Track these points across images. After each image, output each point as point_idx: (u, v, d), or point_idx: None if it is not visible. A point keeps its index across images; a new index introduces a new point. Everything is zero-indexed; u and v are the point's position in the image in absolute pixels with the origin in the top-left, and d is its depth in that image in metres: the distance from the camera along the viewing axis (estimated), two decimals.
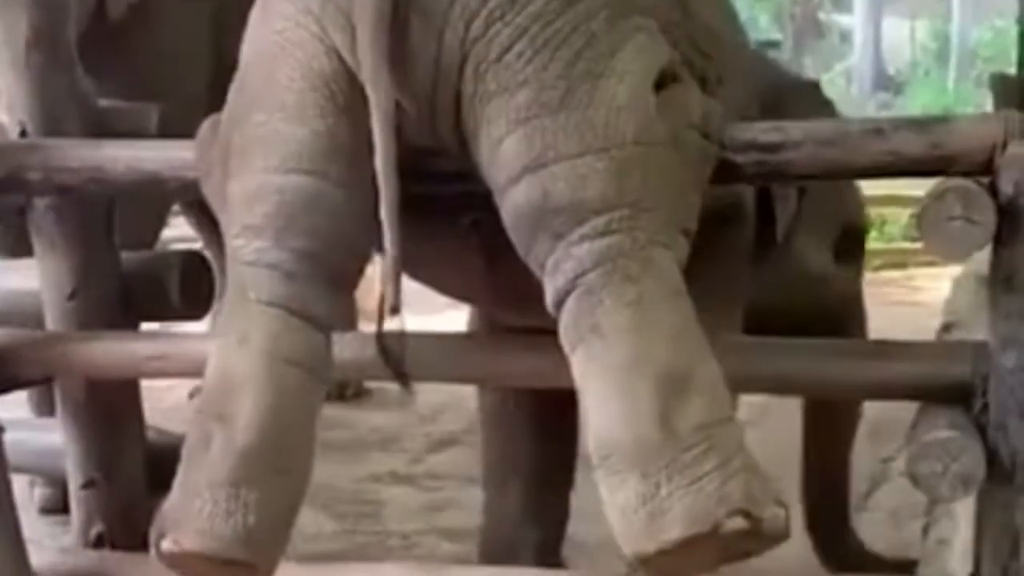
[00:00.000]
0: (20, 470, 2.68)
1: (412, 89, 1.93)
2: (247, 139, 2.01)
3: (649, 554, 1.76)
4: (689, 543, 1.75)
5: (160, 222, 3.96)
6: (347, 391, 5.04)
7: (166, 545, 1.90)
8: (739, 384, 2.24)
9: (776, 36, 24.31)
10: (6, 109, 2.52)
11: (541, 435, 2.77)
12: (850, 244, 2.90)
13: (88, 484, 2.64)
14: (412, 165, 1.96)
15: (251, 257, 1.97)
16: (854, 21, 21.62)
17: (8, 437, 2.47)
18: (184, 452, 1.95)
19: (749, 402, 4.49)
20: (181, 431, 2.96)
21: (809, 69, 22.81)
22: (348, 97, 1.96)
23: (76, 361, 2.52)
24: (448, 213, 2.15)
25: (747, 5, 23.70)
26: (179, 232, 8.21)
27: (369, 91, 1.91)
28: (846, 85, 21.47)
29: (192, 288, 2.62)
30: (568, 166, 1.86)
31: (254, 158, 2.00)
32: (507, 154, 1.90)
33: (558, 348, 1.90)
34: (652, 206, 1.87)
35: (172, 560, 1.91)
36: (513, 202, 1.91)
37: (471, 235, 2.16)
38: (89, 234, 2.54)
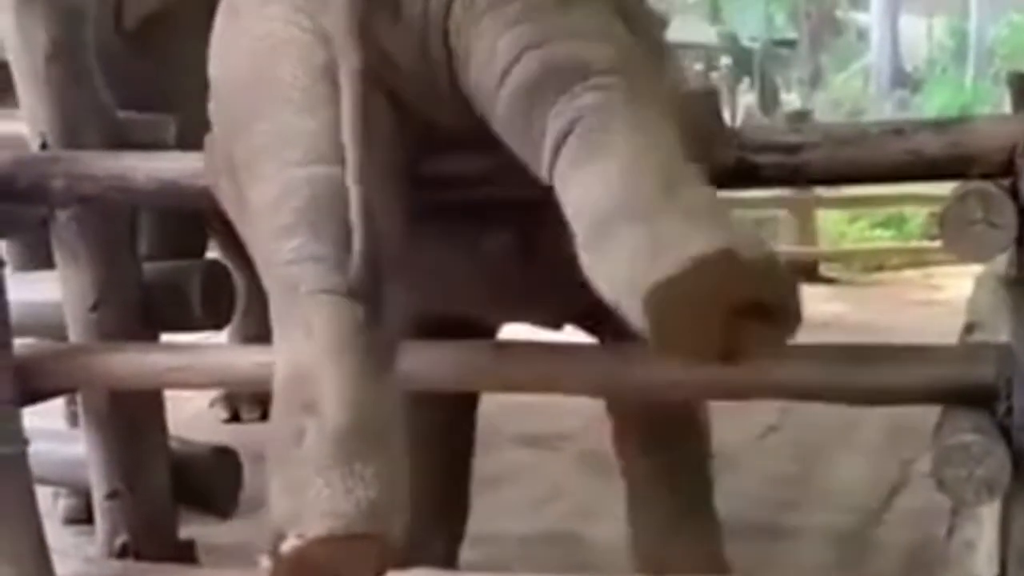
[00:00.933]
0: (44, 481, 2.69)
1: (402, 40, 1.96)
2: (256, 147, 1.99)
3: (662, 281, 1.61)
4: (702, 267, 1.60)
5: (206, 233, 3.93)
6: None
7: (289, 545, 1.81)
8: (760, 390, 2.25)
9: (792, 35, 24.29)
10: (27, 121, 2.53)
11: (440, 441, 2.81)
12: None
13: (112, 495, 2.65)
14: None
15: (291, 255, 1.94)
16: (871, 19, 21.55)
17: (32, 448, 2.49)
18: (275, 456, 1.89)
19: (770, 407, 4.53)
20: (204, 440, 3.00)
21: (826, 67, 22.80)
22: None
23: (98, 373, 2.53)
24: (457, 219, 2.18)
25: (762, 4, 23.72)
26: None
27: (340, 56, 1.90)
28: (864, 83, 21.43)
29: (214, 298, 2.63)
30: (569, 42, 1.92)
31: (269, 161, 1.99)
32: (504, 46, 1.92)
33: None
34: (652, 76, 1.96)
35: (298, 559, 1.85)
36: (515, 81, 1.91)
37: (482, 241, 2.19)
38: (111, 246, 2.56)
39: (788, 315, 1.69)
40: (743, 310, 1.65)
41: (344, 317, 1.91)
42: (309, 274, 1.93)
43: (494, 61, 1.94)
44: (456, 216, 2.23)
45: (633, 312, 1.66)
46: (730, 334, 1.67)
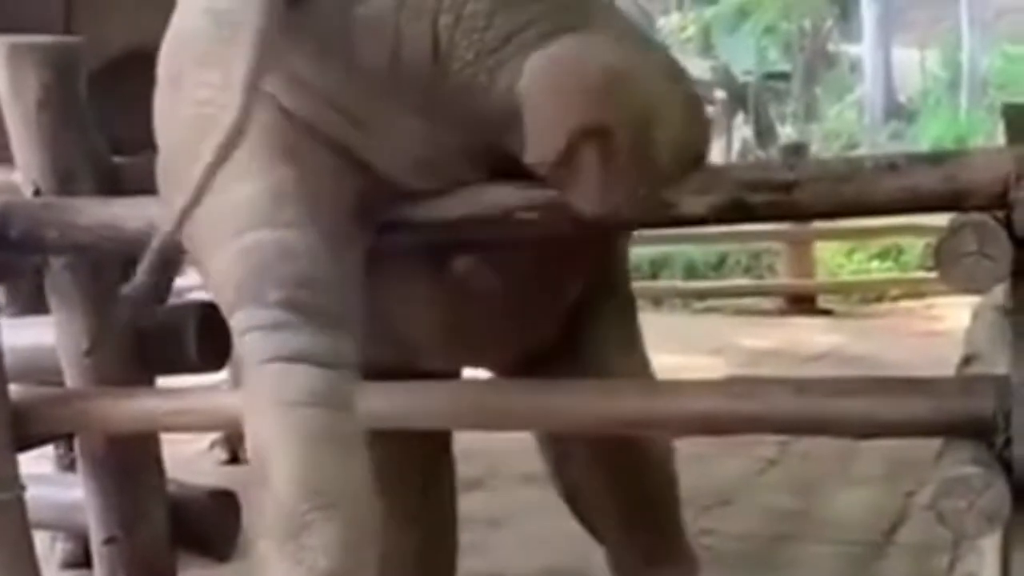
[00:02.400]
0: (42, 526, 2.68)
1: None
2: (200, 219, 1.96)
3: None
4: None
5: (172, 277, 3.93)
6: None
7: None
8: (759, 424, 2.25)
9: (785, 68, 24.38)
10: (20, 168, 2.54)
11: (423, 486, 2.81)
12: None
13: (110, 540, 2.64)
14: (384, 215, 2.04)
15: (241, 326, 1.98)
16: (863, 51, 21.65)
17: (30, 492, 2.48)
18: (251, 528, 1.98)
19: (769, 441, 4.52)
20: (202, 483, 2.99)
21: (820, 99, 22.88)
22: (291, 144, 1.98)
23: (95, 417, 2.53)
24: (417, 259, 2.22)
25: (755, 38, 23.82)
26: (197, 280, 8.30)
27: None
28: (858, 114, 21.49)
29: (209, 341, 2.62)
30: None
31: (214, 232, 2.00)
32: None
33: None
34: None
35: None
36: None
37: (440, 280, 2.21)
38: (105, 291, 2.55)
39: (629, 149, 1.85)
40: (594, 134, 1.82)
41: (283, 382, 1.94)
42: (256, 344, 1.96)
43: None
44: (416, 257, 2.24)
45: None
46: (572, 144, 1.83)
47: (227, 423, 2.90)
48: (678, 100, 2.06)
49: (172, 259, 2.66)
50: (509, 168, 2.03)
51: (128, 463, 2.65)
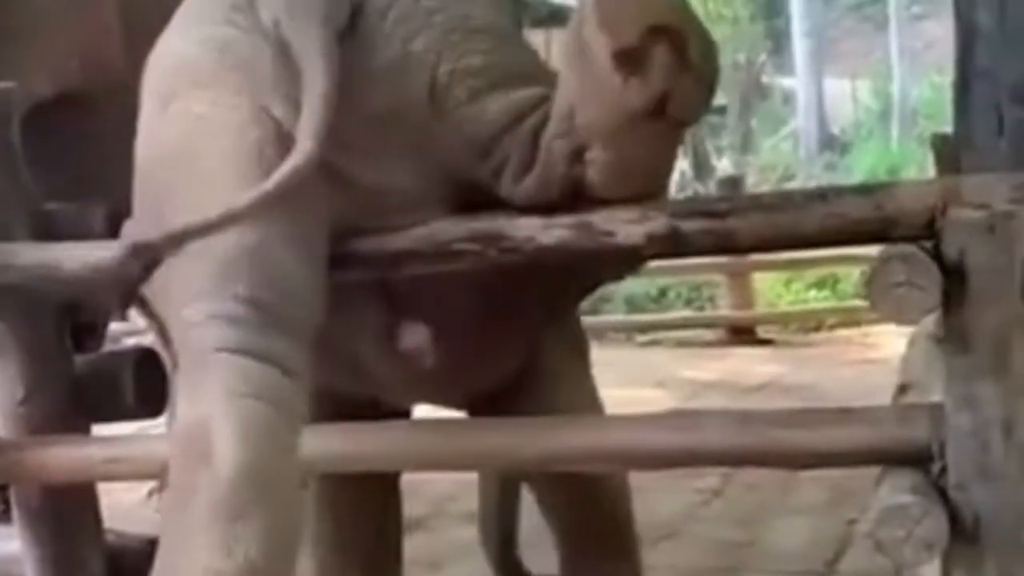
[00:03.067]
0: None
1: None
2: (173, 216, 1.99)
3: None
4: None
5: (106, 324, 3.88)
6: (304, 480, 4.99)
7: None
8: (700, 457, 2.26)
9: (721, 102, 24.63)
10: None
11: (377, 527, 2.88)
12: None
13: None
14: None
15: (198, 317, 1.98)
16: (796, 83, 21.94)
17: None
18: (170, 501, 1.94)
19: (712, 473, 4.54)
20: (140, 532, 2.95)
21: (756, 132, 23.12)
22: (277, 155, 2.00)
23: (30, 467, 2.49)
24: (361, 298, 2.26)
25: None
26: (133, 324, 8.21)
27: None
28: (793, 147, 21.74)
29: (147, 386, 2.60)
30: None
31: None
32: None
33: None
34: None
35: None
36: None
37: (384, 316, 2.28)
38: (40, 339, 2.52)
39: (701, 59, 1.93)
40: (660, 31, 1.89)
41: (236, 373, 1.95)
42: (211, 332, 1.97)
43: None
44: (369, 306, 2.29)
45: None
46: (642, 41, 1.89)
47: (166, 471, 2.88)
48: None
49: (105, 303, 2.65)
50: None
51: (65, 513, 2.61)
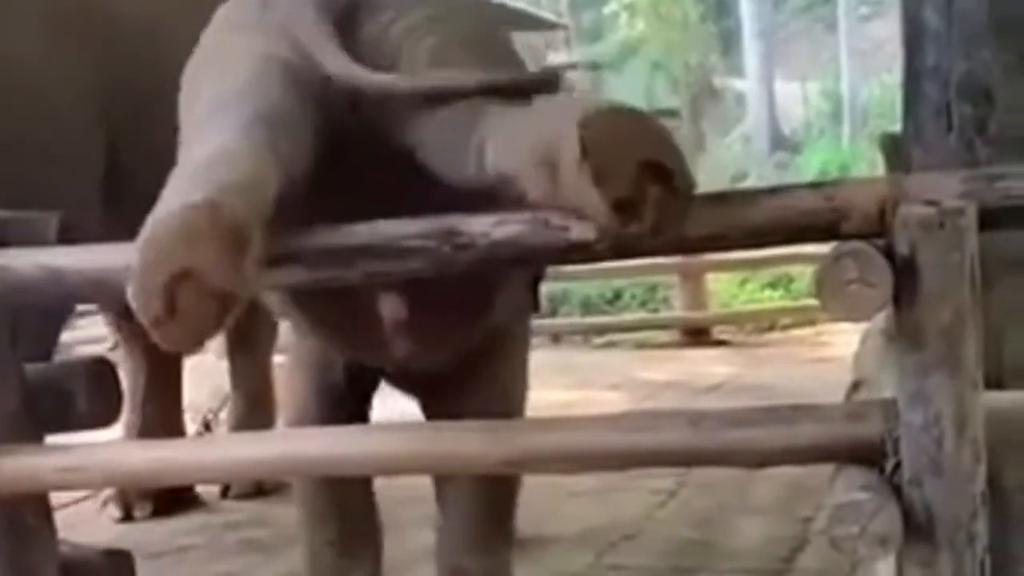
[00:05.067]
0: None
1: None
2: (198, 111, 2.30)
3: (593, 111, 1.97)
4: (621, 115, 2.00)
5: (57, 334, 3.86)
6: (265, 485, 4.98)
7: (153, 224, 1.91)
8: (655, 457, 2.27)
9: (673, 104, 24.74)
10: None
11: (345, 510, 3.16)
12: None
13: None
14: None
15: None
16: (747, 85, 22.08)
17: None
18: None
19: (666, 473, 4.56)
20: (95, 542, 2.93)
21: (708, 133, 23.24)
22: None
23: None
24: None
25: (644, 74, 24.15)
26: (85, 334, 8.13)
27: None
28: (744, 147, 21.88)
29: (100, 396, 2.58)
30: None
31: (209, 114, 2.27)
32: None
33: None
34: None
35: (151, 246, 1.88)
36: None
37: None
38: None
39: (684, 183, 1.97)
40: (648, 168, 1.94)
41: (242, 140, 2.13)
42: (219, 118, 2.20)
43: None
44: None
45: (566, 141, 1.95)
46: (636, 186, 1.93)
47: (122, 478, 2.86)
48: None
49: (61, 310, 2.64)
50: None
51: (19, 524, 2.57)
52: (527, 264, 2.56)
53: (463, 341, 2.85)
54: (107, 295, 2.30)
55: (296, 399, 3.18)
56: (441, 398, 3.03)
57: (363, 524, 3.22)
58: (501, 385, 3.06)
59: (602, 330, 9.80)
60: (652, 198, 1.95)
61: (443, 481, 3.11)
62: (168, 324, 1.87)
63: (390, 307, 2.57)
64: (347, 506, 3.16)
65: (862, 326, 3.50)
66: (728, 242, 2.19)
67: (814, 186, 2.09)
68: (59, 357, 3.45)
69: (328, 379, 3.07)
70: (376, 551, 3.25)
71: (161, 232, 1.86)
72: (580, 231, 2.08)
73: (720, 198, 2.12)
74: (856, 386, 2.80)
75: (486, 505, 3.08)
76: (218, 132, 2.16)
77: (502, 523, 3.16)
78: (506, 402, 3.03)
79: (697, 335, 9.16)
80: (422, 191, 2.30)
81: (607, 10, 24.13)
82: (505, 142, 2.17)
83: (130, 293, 1.87)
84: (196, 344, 1.95)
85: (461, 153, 2.23)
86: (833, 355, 7.01)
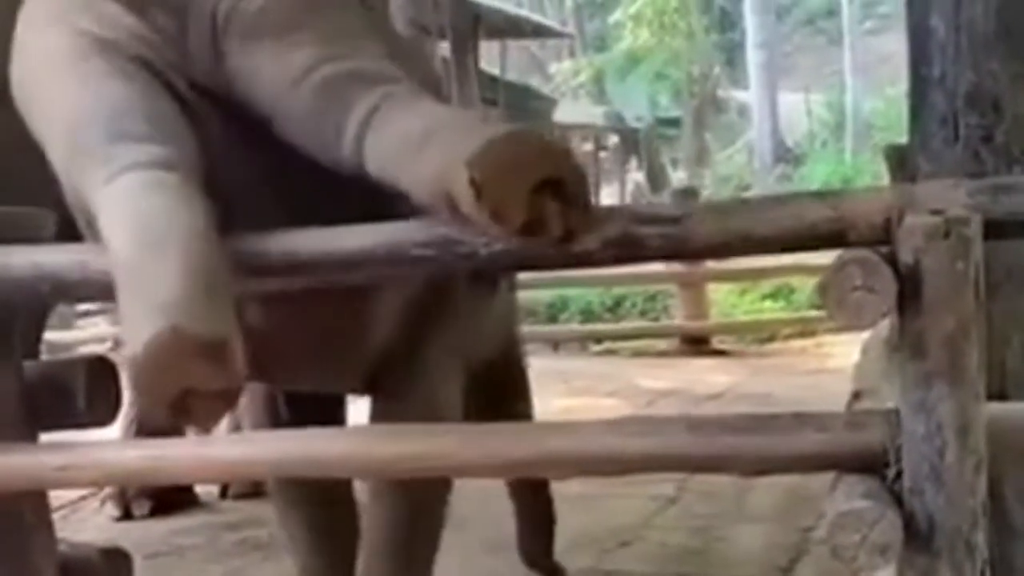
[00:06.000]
0: None
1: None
2: (54, 114, 2.30)
3: (484, 145, 1.96)
4: (513, 138, 1.99)
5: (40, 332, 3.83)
6: (264, 486, 4.97)
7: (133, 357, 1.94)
8: (655, 463, 2.26)
9: (676, 114, 24.77)
10: None
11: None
12: None
13: None
14: None
15: (86, 178, 2.18)
16: (751, 97, 22.10)
17: None
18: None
19: (667, 480, 4.55)
20: (93, 540, 2.92)
21: (711, 145, 23.27)
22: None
23: None
24: None
25: (646, 84, 24.18)
26: (86, 333, 8.14)
27: None
28: (747, 159, 21.90)
29: (99, 394, 2.57)
30: (360, 60, 2.31)
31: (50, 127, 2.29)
32: (299, 59, 2.28)
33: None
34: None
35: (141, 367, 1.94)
36: (313, 83, 2.25)
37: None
38: None
39: (580, 195, 2.00)
40: (545, 186, 1.95)
41: (135, 178, 2.12)
42: (96, 176, 2.15)
43: (287, 70, 2.26)
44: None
45: (457, 180, 1.95)
46: (534, 207, 1.96)
47: (119, 477, 2.85)
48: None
49: (43, 309, 2.65)
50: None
51: (17, 522, 2.57)
52: (528, 271, 2.54)
53: (348, 364, 2.80)
54: (104, 295, 2.30)
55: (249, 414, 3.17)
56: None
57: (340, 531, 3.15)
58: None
59: (601, 337, 9.80)
60: (551, 212, 1.98)
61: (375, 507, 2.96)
62: (183, 419, 2.03)
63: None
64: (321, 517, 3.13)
65: (862, 338, 3.50)
66: (734, 250, 2.19)
67: (820, 195, 2.09)
68: (61, 356, 3.45)
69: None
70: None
71: (147, 363, 1.94)
72: (580, 240, 2.08)
73: (727, 210, 2.12)
74: (857, 396, 2.79)
75: (419, 525, 2.95)
76: (119, 168, 2.14)
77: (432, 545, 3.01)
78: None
79: (697, 344, 9.16)
80: (289, 170, 2.31)
81: (612, 19, 24.18)
82: (387, 161, 2.17)
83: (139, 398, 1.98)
84: (215, 424, 2.15)
85: (331, 137, 2.24)
86: (834, 366, 7.02)
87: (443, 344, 2.91)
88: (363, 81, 2.26)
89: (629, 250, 2.08)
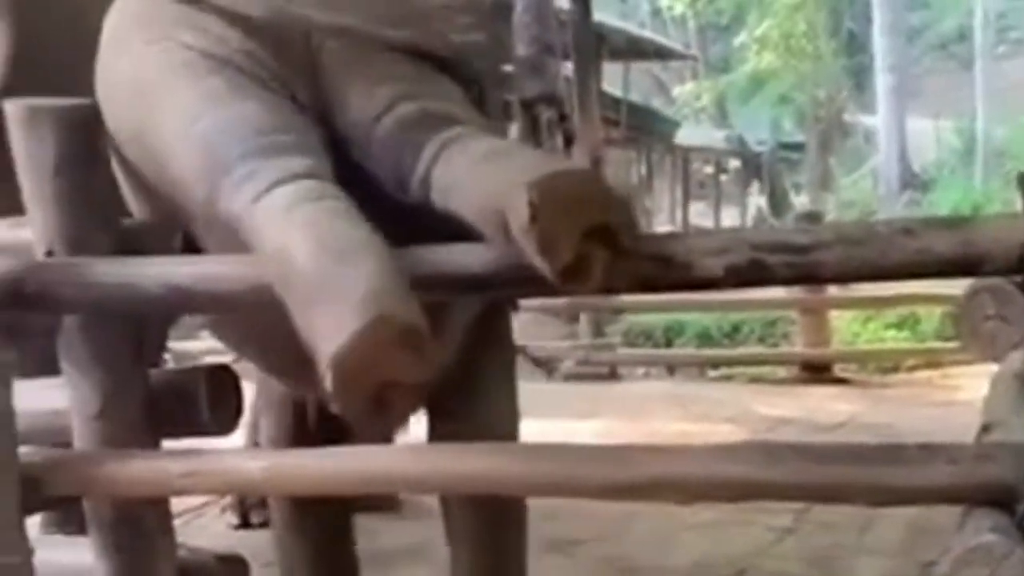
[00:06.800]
0: None
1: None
2: (150, 135, 2.39)
3: (544, 176, 1.97)
4: (571, 175, 2.02)
5: (163, 341, 3.88)
6: (376, 500, 5.00)
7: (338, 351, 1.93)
8: (775, 492, 2.22)
9: (799, 138, 24.49)
10: (32, 228, 2.52)
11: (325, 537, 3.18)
12: None
13: None
14: None
15: (227, 197, 2.20)
16: (878, 121, 21.74)
17: (39, 556, 2.46)
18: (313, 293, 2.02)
19: (785, 509, 4.47)
20: (212, 547, 2.96)
21: (835, 170, 22.94)
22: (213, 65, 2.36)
23: (107, 480, 2.51)
24: None
25: (770, 107, 23.94)
26: (211, 344, 8.29)
27: None
28: (873, 184, 21.54)
29: (221, 403, 2.61)
30: (437, 100, 2.40)
31: (166, 141, 2.33)
32: (382, 93, 2.37)
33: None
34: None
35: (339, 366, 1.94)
36: (393, 119, 2.33)
37: None
38: (117, 353, 2.53)
39: (631, 240, 2.01)
40: (595, 231, 1.96)
41: (286, 192, 2.14)
42: (243, 195, 2.17)
43: (372, 103, 2.35)
44: None
45: (515, 200, 1.95)
46: (582, 249, 1.96)
47: (240, 486, 2.89)
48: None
49: (168, 319, 2.70)
50: None
51: (139, 526, 2.62)
52: (648, 293, 2.50)
53: None
54: (229, 306, 2.34)
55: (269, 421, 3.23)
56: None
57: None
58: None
59: (718, 363, 9.70)
60: (598, 261, 1.98)
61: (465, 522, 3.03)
62: (374, 419, 2.04)
63: None
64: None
65: (990, 371, 3.41)
66: (863, 277, 2.15)
67: (951, 224, 2.04)
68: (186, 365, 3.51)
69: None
70: None
71: (353, 354, 1.94)
72: (703, 268, 2.06)
73: (855, 239, 2.06)
74: (986, 429, 2.71)
75: (513, 539, 3.04)
76: (269, 182, 2.18)
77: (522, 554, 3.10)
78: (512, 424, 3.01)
79: (817, 372, 8.99)
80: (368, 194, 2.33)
81: (737, 41, 23.98)
82: (451, 186, 2.20)
83: (331, 398, 1.98)
84: (404, 424, 2.16)
85: (404, 176, 2.30)
86: (961, 399, 6.83)
87: (501, 362, 3.00)
88: (436, 122, 2.32)
89: (755, 276, 2.05)
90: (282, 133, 2.26)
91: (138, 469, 2.50)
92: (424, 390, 2.06)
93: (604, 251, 1.97)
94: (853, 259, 2.04)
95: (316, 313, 2.00)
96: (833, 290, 8.66)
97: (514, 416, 2.99)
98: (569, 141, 11.25)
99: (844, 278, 2.20)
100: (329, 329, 1.96)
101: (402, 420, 2.11)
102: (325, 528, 3.16)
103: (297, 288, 2.04)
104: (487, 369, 2.94)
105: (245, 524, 4.85)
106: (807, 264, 2.05)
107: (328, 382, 1.95)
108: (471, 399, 2.88)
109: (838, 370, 9.14)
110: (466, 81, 2.56)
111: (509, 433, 2.89)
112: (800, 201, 22.75)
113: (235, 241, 2.25)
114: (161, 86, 2.36)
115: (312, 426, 3.04)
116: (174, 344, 6.93)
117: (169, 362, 3.14)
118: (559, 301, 8.13)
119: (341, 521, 3.22)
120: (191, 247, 2.57)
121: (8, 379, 2.42)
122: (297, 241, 2.06)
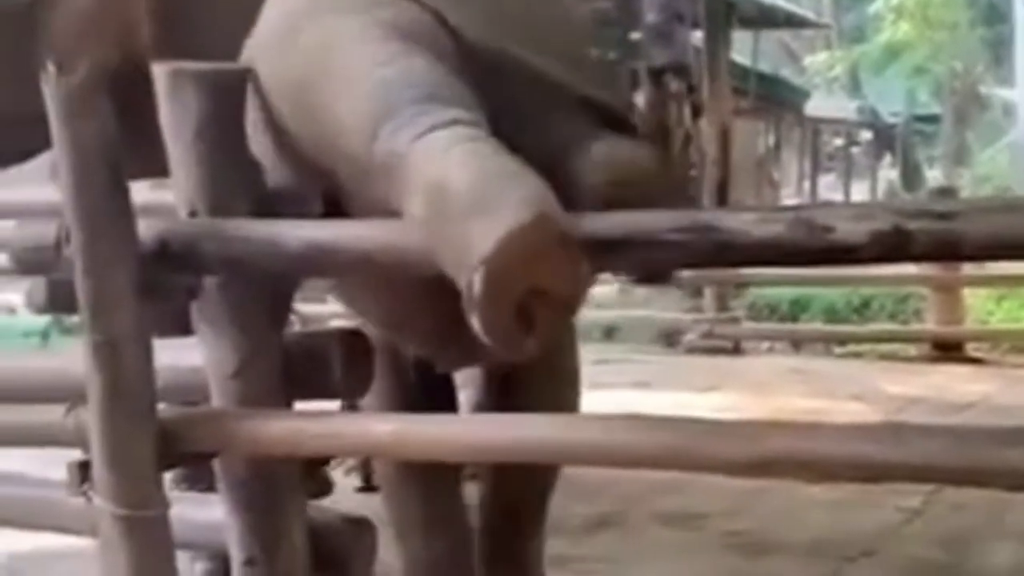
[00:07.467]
0: (182, 544, 2.71)
1: None
2: (322, 75, 2.38)
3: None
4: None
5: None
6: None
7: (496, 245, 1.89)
8: (905, 472, 2.17)
9: (935, 111, 23.88)
10: (175, 190, 2.57)
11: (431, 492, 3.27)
12: None
13: (249, 562, 2.65)
14: None
15: (386, 136, 2.16)
16: (1016, 95, 21.08)
17: (172, 512, 2.52)
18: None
19: (914, 491, 4.39)
20: (341, 509, 3.01)
21: (971, 144, 22.34)
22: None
23: (240, 438, 2.54)
24: None
25: (905, 79, 23.38)
26: (337, 307, 8.39)
27: None
28: (1010, 160, 20.92)
29: (353, 367, 2.64)
30: None
31: (339, 84, 2.32)
32: None
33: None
34: None
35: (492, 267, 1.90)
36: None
37: None
38: (255, 313, 2.57)
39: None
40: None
41: (453, 134, 2.11)
42: (406, 132, 2.13)
43: None
44: None
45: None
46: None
47: (369, 449, 2.92)
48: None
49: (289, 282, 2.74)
50: None
51: (270, 485, 2.66)
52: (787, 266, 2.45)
53: None
54: (373, 270, 2.35)
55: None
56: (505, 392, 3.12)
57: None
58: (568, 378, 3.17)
59: (846, 339, 9.53)
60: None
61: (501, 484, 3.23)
62: (521, 337, 1.96)
63: None
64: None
65: None
66: (1002, 255, 2.08)
67: None
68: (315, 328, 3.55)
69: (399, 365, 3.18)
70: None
71: (506, 253, 1.89)
72: (846, 232, 2.01)
73: (999, 209, 2.00)
74: None
75: (538, 498, 3.23)
76: (432, 124, 2.15)
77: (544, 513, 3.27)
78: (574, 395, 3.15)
79: (949, 351, 8.80)
80: None
81: (871, 10, 23.44)
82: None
83: (475, 312, 1.92)
84: (542, 350, 2.03)
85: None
86: None
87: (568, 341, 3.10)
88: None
89: (897, 246, 2.00)
90: (451, 89, 2.25)
91: (276, 428, 2.53)
92: (571, 310, 2.03)
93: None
94: (997, 229, 1.98)
95: (472, 222, 1.93)
96: (967, 267, 8.44)
97: (576, 395, 3.15)
98: (697, 112, 11.12)
99: (987, 249, 2.11)
100: (485, 230, 1.90)
101: (543, 340, 1.99)
102: (434, 483, 3.23)
103: (453, 209, 1.97)
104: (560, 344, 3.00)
105: (368, 486, 4.92)
106: (949, 233, 1.99)
107: (477, 286, 1.90)
108: (540, 380, 2.99)
109: (970, 349, 8.93)
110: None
111: (570, 385, 3.05)
112: (933, 175, 22.21)
113: (382, 205, 2.25)
114: (349, 38, 2.38)
115: (413, 392, 3.14)
116: (302, 307, 7.02)
117: (296, 325, 3.16)
118: (684, 273, 8.06)
119: (450, 474, 3.26)
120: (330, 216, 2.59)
121: (148, 336, 2.48)
122: (456, 170, 2.01)
